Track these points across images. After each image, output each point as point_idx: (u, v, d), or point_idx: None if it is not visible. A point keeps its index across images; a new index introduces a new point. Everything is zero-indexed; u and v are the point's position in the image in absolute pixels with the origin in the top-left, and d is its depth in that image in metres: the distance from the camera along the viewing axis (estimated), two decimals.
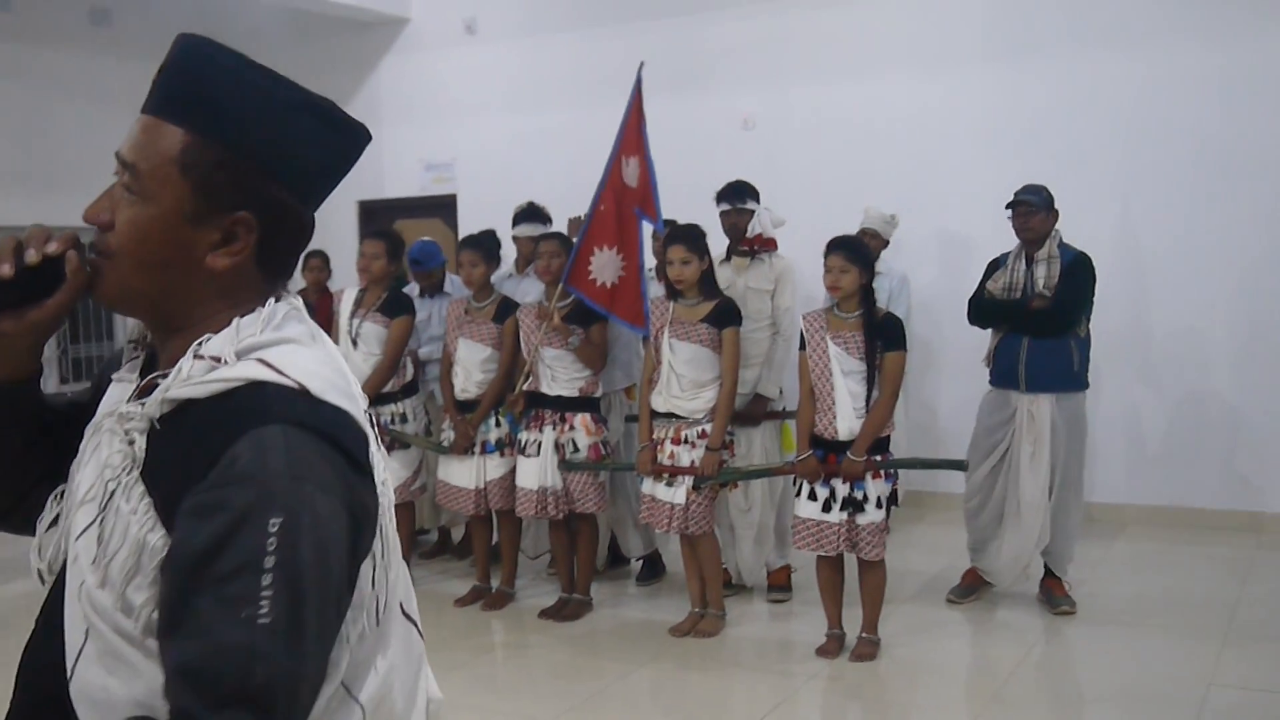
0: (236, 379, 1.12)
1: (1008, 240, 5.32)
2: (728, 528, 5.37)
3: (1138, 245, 6.70)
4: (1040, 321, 5.06)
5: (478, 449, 5.39)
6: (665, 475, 4.88)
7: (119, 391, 1.25)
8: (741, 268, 5.37)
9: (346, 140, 1.26)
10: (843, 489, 4.52)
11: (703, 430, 4.85)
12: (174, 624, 1.03)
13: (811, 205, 6.82)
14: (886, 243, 6.51)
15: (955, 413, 6.89)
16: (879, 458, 4.53)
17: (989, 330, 5.34)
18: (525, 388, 5.26)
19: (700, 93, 7.82)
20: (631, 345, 5.68)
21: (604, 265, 5.13)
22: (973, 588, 5.38)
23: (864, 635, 4.68)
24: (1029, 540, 5.12)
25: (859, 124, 7.40)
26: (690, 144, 7.43)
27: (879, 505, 4.52)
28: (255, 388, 1.12)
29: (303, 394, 1.12)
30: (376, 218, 9.10)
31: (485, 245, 5.56)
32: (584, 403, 5.22)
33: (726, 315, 4.88)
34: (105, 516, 1.14)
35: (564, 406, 5.20)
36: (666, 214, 5.50)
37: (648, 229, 5.40)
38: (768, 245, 5.39)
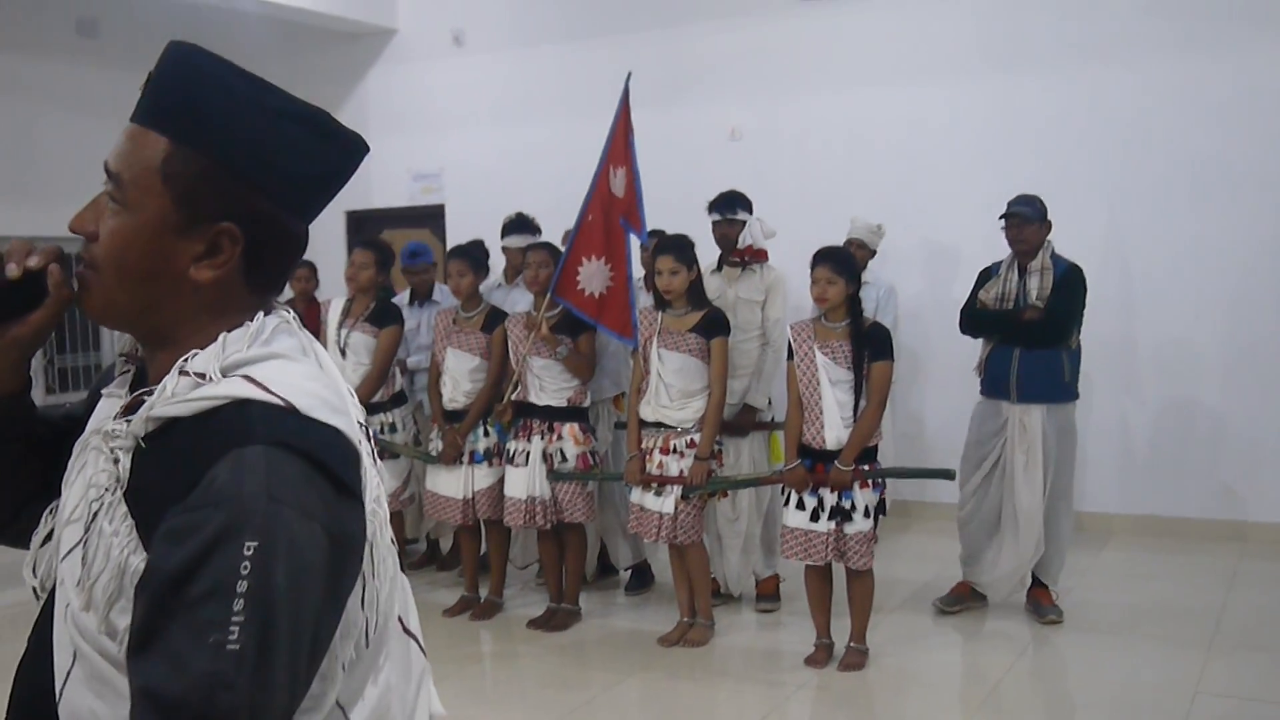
0: (220, 397, 1.09)
1: (995, 251, 5.34)
2: (715, 537, 5.37)
3: (1127, 257, 6.73)
4: (1033, 333, 5.08)
5: (466, 459, 5.38)
6: (653, 485, 4.88)
7: (108, 407, 1.22)
8: (732, 278, 5.38)
9: (339, 151, 1.22)
10: (831, 498, 4.53)
11: (691, 440, 4.86)
12: (143, 645, 1.01)
13: (799, 216, 6.82)
14: (873, 253, 6.54)
15: (942, 422, 6.91)
16: (866, 467, 4.54)
17: (979, 340, 5.36)
18: (513, 397, 5.25)
19: (688, 104, 7.84)
20: (620, 354, 5.68)
21: (592, 275, 5.13)
22: (962, 598, 5.38)
23: (852, 645, 4.68)
24: (1027, 552, 5.13)
25: (846, 135, 7.42)
26: (678, 155, 7.44)
27: (867, 514, 4.52)
28: (240, 406, 1.08)
29: (290, 412, 1.09)
30: (365, 228, 9.10)
31: (474, 255, 5.56)
32: (572, 412, 5.22)
33: (715, 325, 4.89)
34: (89, 538, 1.12)
35: (552, 416, 5.20)
36: (654, 225, 5.52)
37: (635, 239, 5.42)
38: (759, 256, 5.39)
